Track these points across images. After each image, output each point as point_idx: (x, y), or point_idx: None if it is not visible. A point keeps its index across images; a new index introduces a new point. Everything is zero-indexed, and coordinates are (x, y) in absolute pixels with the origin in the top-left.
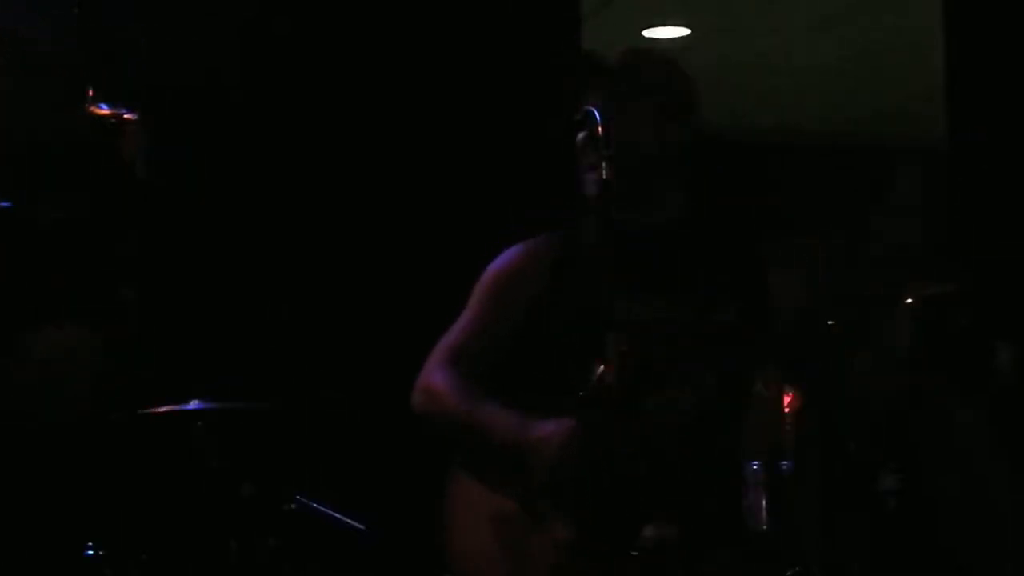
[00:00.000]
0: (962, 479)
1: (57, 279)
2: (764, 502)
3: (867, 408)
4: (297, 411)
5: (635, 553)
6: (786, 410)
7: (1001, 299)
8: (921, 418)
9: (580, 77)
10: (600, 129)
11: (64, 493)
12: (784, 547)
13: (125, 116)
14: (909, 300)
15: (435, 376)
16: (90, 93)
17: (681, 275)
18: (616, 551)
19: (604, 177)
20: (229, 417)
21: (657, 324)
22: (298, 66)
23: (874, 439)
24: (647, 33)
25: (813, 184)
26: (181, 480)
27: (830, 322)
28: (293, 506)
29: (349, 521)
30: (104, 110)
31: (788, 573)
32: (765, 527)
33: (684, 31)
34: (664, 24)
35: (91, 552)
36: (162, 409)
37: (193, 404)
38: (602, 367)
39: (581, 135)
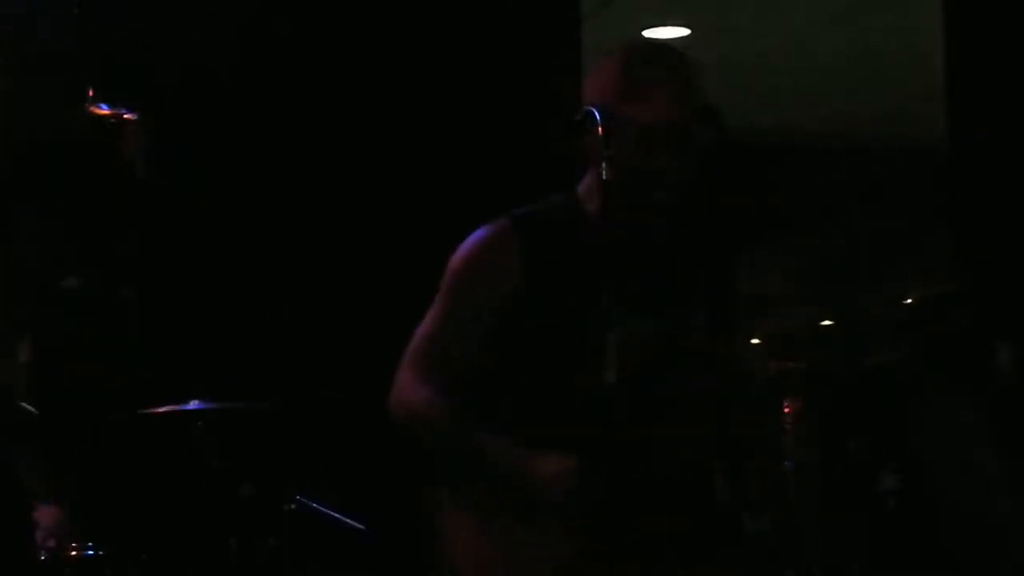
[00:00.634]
0: (962, 479)
1: None
2: (763, 501)
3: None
4: (297, 411)
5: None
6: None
7: (1001, 299)
8: (921, 418)
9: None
10: (600, 129)
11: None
12: (784, 547)
13: (125, 116)
14: (909, 300)
15: (416, 392)
16: (90, 93)
17: (668, 285)
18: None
19: (604, 177)
20: (229, 417)
21: (643, 337)
22: (298, 66)
23: (874, 439)
24: (647, 33)
25: (813, 184)
26: (181, 480)
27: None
28: (293, 506)
29: (349, 521)
30: (104, 110)
31: (788, 573)
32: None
33: (684, 31)
34: (664, 24)
35: (91, 552)
36: (162, 409)
37: (193, 404)
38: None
39: (582, 135)
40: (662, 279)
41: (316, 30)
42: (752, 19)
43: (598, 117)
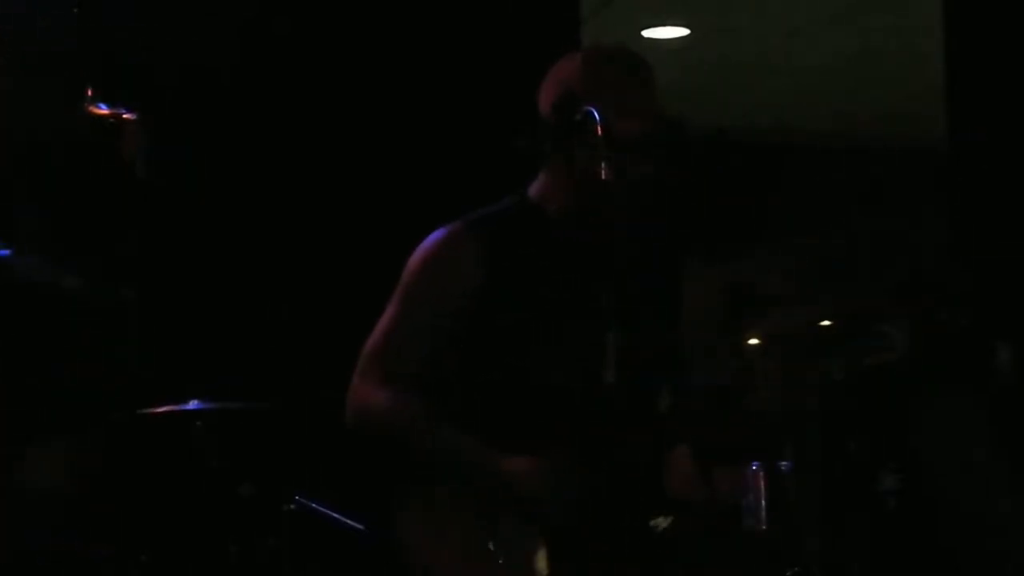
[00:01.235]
0: (962, 479)
1: None
2: (764, 502)
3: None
4: (297, 411)
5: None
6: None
7: (1001, 299)
8: (921, 418)
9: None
10: (600, 129)
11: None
12: (784, 547)
13: (125, 116)
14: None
15: (374, 393)
16: (90, 93)
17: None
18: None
19: (604, 177)
20: (229, 417)
21: (617, 338)
22: (298, 66)
23: (874, 439)
24: (647, 33)
25: (813, 184)
26: (181, 480)
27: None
28: (293, 506)
29: (349, 521)
30: (104, 110)
31: (788, 573)
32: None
33: (684, 31)
34: (664, 24)
35: (91, 552)
36: (162, 409)
37: (193, 404)
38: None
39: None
40: (646, 280)
41: (316, 30)
42: (752, 19)
43: (597, 118)
